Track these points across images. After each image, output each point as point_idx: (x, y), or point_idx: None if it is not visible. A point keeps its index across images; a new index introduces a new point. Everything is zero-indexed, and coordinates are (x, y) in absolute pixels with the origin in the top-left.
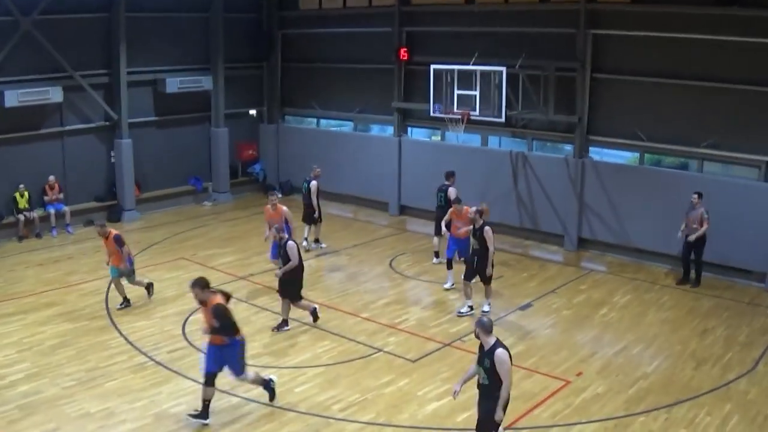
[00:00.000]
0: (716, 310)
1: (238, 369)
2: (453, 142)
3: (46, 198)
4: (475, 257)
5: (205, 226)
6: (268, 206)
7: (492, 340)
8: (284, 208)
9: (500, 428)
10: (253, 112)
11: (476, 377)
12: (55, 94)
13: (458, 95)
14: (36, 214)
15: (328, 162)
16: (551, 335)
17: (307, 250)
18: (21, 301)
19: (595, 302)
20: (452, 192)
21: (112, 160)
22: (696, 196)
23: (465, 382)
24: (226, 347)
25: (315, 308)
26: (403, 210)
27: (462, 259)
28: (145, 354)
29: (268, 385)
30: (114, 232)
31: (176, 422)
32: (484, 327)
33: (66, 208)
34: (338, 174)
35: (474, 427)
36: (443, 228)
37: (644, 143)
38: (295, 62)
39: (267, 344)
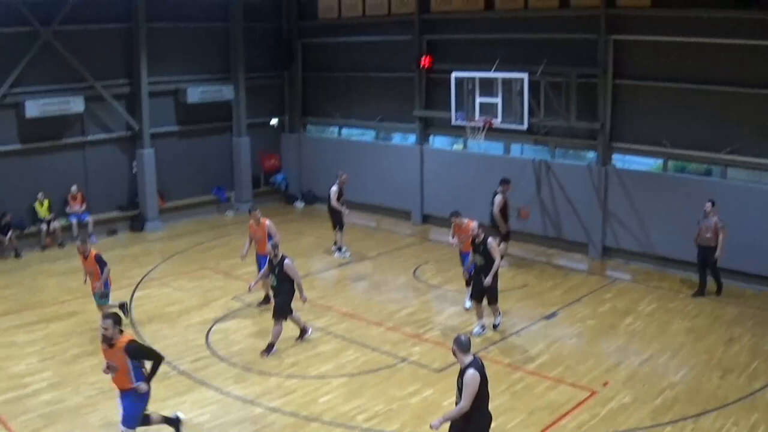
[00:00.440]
0: (741, 318)
1: (132, 421)
2: (475, 150)
3: (68, 209)
4: (480, 275)
5: (228, 235)
6: (251, 222)
7: (467, 360)
8: (267, 221)
9: None
10: (274, 121)
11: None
12: (76, 104)
13: (480, 103)
14: (58, 223)
15: (350, 171)
16: (577, 345)
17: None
18: (44, 310)
19: (620, 311)
20: (497, 201)
21: (134, 170)
22: (709, 204)
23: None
24: (129, 392)
25: (306, 328)
26: (426, 219)
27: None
28: (168, 363)
29: (174, 423)
30: (95, 251)
31: None
32: (461, 345)
33: (89, 218)
34: (360, 183)
35: None
36: (450, 239)
37: (668, 150)
38: (315, 71)
39: (290, 354)
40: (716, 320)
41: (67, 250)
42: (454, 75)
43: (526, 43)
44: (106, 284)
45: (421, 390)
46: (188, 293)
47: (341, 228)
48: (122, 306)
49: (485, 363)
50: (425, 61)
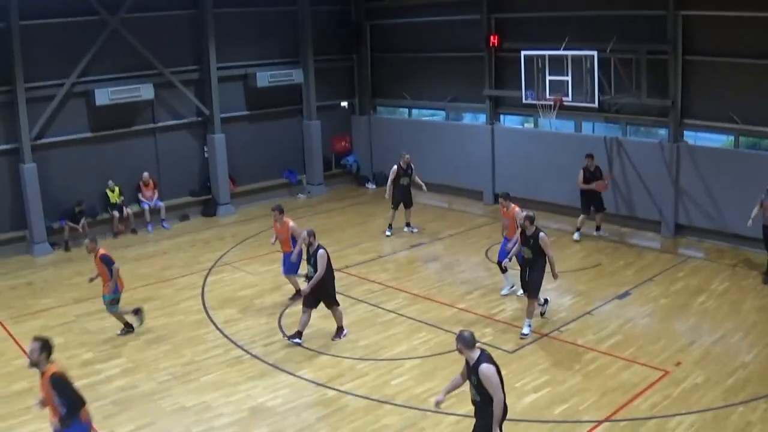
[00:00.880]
0: None
1: None
2: (546, 128)
3: (140, 195)
4: (527, 268)
5: (300, 218)
6: (275, 221)
7: (475, 354)
8: (291, 222)
9: None
10: (344, 103)
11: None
12: (146, 92)
13: (550, 81)
14: (130, 210)
15: (420, 152)
16: (649, 324)
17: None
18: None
19: (693, 290)
20: (580, 175)
21: (206, 155)
22: None
23: (449, 392)
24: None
25: (343, 329)
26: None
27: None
28: (241, 347)
29: None
30: (102, 251)
31: (272, 416)
32: (465, 342)
33: (161, 204)
34: (431, 163)
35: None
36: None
37: (739, 126)
38: (384, 53)
39: (363, 336)
40: None
41: (139, 236)
42: (523, 53)
43: (595, 20)
44: (116, 288)
45: None
46: (261, 277)
47: (396, 207)
48: (136, 312)
49: (558, 344)
50: (493, 40)
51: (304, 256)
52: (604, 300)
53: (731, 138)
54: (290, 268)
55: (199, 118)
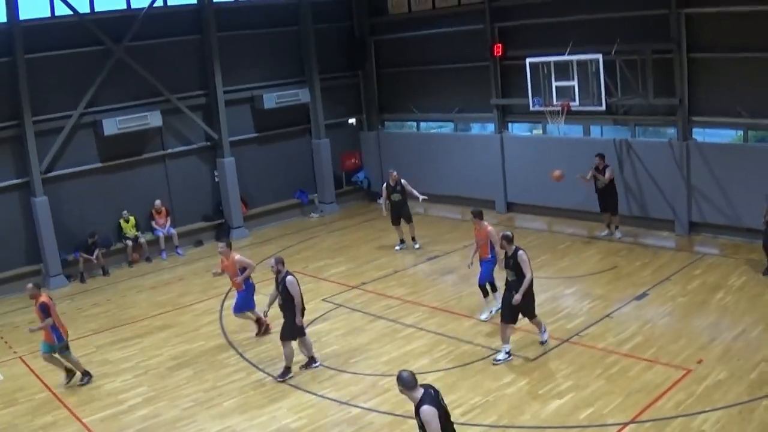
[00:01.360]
0: None
1: None
2: (555, 134)
3: (153, 223)
4: (513, 292)
5: (314, 237)
6: (223, 258)
7: (418, 394)
8: (237, 256)
9: None
10: (352, 120)
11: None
12: (153, 119)
13: (556, 87)
14: (144, 238)
15: (431, 164)
16: (669, 324)
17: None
18: (135, 325)
19: (711, 286)
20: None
21: (216, 179)
22: None
23: None
24: None
25: (314, 358)
26: (510, 207)
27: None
28: (262, 370)
29: None
30: (42, 298)
31: None
32: (404, 382)
33: (174, 231)
34: (442, 175)
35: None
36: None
37: (747, 120)
38: (389, 68)
39: (384, 352)
40: None
41: (154, 264)
42: (528, 60)
43: (598, 23)
44: (57, 334)
45: (516, 380)
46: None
47: (395, 223)
48: (84, 374)
49: (579, 349)
50: (497, 49)
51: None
52: (622, 302)
53: (740, 133)
54: (242, 306)
55: (208, 143)
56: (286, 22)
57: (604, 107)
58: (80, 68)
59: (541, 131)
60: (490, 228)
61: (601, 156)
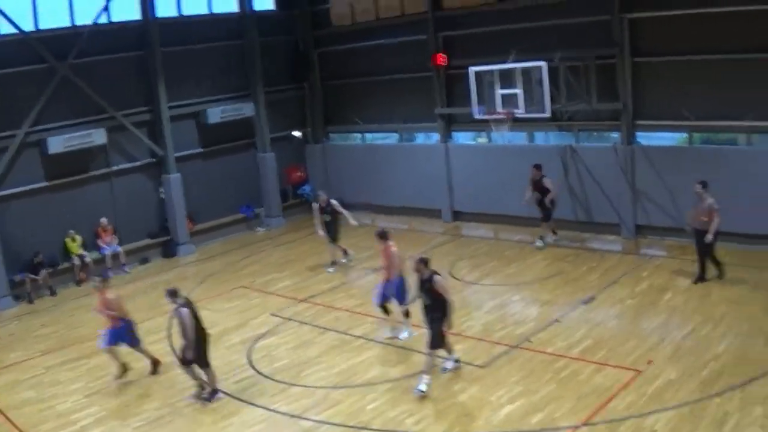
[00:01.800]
0: None
1: None
2: (500, 142)
3: (99, 241)
4: (429, 317)
5: (261, 252)
6: (99, 294)
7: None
8: (111, 295)
9: None
10: (297, 134)
11: None
12: (98, 137)
13: (501, 95)
14: (90, 257)
15: (376, 175)
16: (618, 326)
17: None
18: (84, 345)
19: (659, 288)
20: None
21: (162, 195)
22: (699, 186)
23: None
24: None
25: (216, 392)
26: (457, 216)
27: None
28: (213, 387)
29: None
30: None
31: None
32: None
33: (120, 249)
34: (388, 186)
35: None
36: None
37: (691, 122)
38: (334, 80)
39: (335, 364)
40: (756, 287)
41: None
42: (471, 69)
43: (542, 30)
44: None
45: (467, 387)
46: (226, 314)
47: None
48: None
49: (529, 354)
50: (438, 59)
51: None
52: (570, 306)
53: (685, 135)
54: (110, 340)
55: (154, 159)
56: (230, 36)
57: (548, 114)
58: (25, 87)
59: (485, 139)
60: (393, 249)
61: (538, 167)
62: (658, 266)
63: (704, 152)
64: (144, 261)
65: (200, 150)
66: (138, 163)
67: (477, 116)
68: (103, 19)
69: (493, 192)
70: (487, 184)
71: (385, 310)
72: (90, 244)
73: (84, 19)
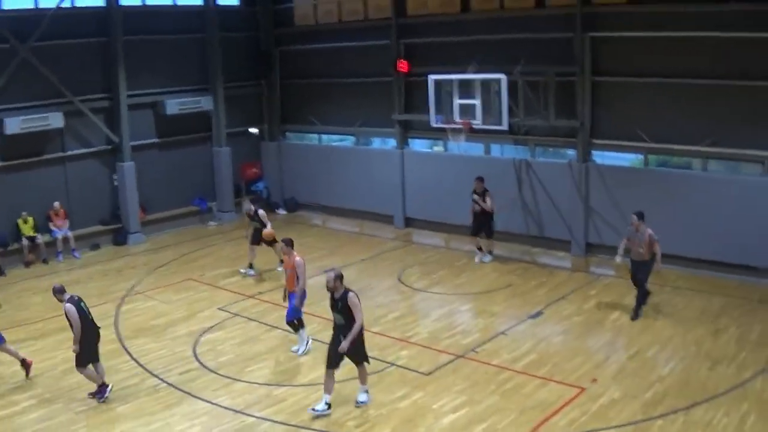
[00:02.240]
0: (727, 309)
1: None
2: (456, 152)
3: (51, 224)
4: (341, 337)
5: (212, 245)
6: None
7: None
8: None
9: None
10: (254, 130)
11: None
12: (55, 120)
13: (459, 105)
14: (41, 239)
15: (331, 176)
16: (564, 342)
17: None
18: (30, 327)
19: (606, 307)
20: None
21: (115, 183)
22: (635, 217)
23: None
24: None
25: (106, 387)
26: (409, 222)
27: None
28: (156, 376)
29: None
30: None
31: None
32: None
33: (70, 233)
34: (342, 188)
35: None
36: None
37: (648, 144)
38: (293, 79)
39: (278, 363)
40: (703, 312)
41: (50, 266)
42: (431, 78)
43: (504, 43)
44: None
45: (410, 393)
46: (174, 305)
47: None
48: None
49: (474, 364)
50: (402, 65)
51: None
52: (517, 320)
53: (641, 157)
54: None
55: (109, 147)
56: (193, 29)
57: (505, 127)
58: None
59: (442, 148)
60: (298, 259)
61: (480, 179)
62: (607, 285)
63: (659, 175)
64: (95, 247)
65: (156, 140)
66: (93, 149)
67: (434, 124)
68: (66, 4)
69: (446, 201)
70: (441, 192)
71: (294, 328)
72: (42, 227)
73: (48, 2)
